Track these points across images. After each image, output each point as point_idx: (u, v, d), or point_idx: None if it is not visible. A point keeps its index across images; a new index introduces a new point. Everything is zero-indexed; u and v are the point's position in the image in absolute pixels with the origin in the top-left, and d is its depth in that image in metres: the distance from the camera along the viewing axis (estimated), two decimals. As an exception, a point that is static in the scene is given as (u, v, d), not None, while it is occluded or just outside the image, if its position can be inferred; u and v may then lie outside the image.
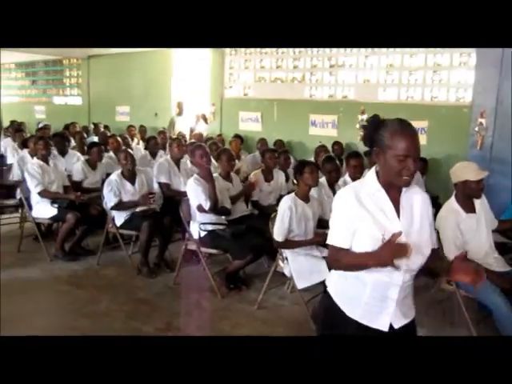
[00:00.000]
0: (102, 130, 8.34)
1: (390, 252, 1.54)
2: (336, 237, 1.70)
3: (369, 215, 1.64)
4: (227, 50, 8.34)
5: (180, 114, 9.08)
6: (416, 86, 6.42)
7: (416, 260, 1.66)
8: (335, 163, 3.92)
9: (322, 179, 3.92)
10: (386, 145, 1.61)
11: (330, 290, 1.80)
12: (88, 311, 3.62)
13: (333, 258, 1.74)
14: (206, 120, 8.68)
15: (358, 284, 1.69)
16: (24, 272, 4.39)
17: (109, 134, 7.21)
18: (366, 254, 1.62)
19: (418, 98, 6.41)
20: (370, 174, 1.72)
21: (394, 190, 1.68)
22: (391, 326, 1.70)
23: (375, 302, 1.70)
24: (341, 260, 1.69)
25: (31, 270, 4.44)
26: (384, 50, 6.62)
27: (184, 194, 4.42)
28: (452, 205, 3.12)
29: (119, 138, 6.31)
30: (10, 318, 3.39)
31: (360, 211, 1.64)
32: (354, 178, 4.10)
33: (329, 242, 1.72)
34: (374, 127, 1.67)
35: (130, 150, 4.75)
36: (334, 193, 3.91)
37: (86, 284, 4.17)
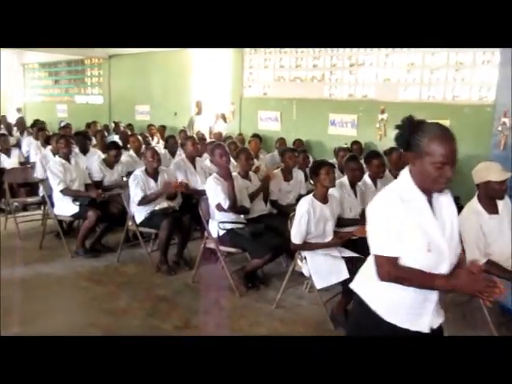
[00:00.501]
0: (123, 128, 8.42)
1: (474, 283, 1.53)
2: (386, 246, 1.62)
3: (414, 222, 1.60)
4: (247, 49, 8.35)
5: (199, 113, 9.12)
6: (438, 84, 6.32)
7: (453, 262, 1.66)
8: (359, 162, 3.88)
9: (344, 178, 3.89)
10: (424, 151, 1.58)
11: (364, 296, 1.75)
12: (108, 308, 3.67)
13: (385, 270, 1.63)
14: (225, 119, 8.70)
15: (402, 290, 1.65)
16: (46, 268, 4.47)
17: (130, 133, 7.28)
18: (442, 277, 1.59)
19: (440, 97, 6.32)
20: (406, 178, 1.68)
21: (427, 193, 1.66)
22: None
23: (417, 305, 1.68)
24: (399, 275, 1.62)
25: (53, 266, 4.52)
26: (405, 48, 6.53)
27: (201, 192, 4.45)
28: (474, 206, 3.07)
29: (140, 137, 6.36)
30: (31, 313, 3.47)
31: (406, 217, 1.60)
32: (374, 178, 4.06)
33: (377, 252, 1.65)
34: (410, 130, 1.63)
35: (156, 149, 4.79)
36: (355, 192, 3.87)
37: (106, 281, 4.22)
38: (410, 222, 1.60)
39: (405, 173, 1.70)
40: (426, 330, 1.68)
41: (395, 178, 4.58)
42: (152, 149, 4.71)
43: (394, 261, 1.61)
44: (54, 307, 3.66)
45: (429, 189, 1.63)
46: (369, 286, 1.76)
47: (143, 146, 6.12)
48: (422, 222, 1.62)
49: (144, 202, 4.43)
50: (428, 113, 6.21)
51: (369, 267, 1.74)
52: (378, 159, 4.05)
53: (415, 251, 1.60)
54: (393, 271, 1.61)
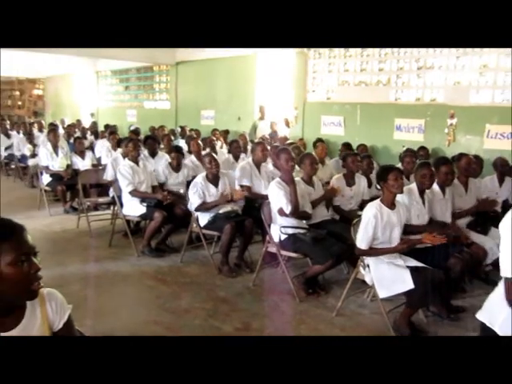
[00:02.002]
0: (189, 133, 8.66)
1: None
2: None
3: None
4: (311, 53, 8.34)
5: (262, 118, 9.20)
6: (513, 87, 5.99)
7: None
8: (431, 169, 3.73)
9: (413, 185, 3.77)
10: None
11: (490, 323, 1.69)
12: (171, 306, 3.77)
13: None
14: (288, 124, 8.72)
15: None
16: (114, 266, 4.68)
17: (191, 138, 7.46)
18: None
19: (516, 101, 5.98)
20: None
21: None
22: None
23: None
24: None
25: (120, 264, 4.72)
26: (477, 49, 6.26)
27: (265, 196, 4.48)
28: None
29: (200, 142, 6.47)
30: (99, 307, 3.64)
31: None
32: (443, 186, 3.90)
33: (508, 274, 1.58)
34: None
35: (214, 155, 4.88)
36: (423, 200, 3.74)
37: (170, 280, 4.35)
38: None
39: None
40: None
41: (464, 185, 4.41)
42: (210, 155, 4.76)
43: None
44: (120, 303, 3.82)
45: None
46: (495, 312, 1.68)
47: (204, 151, 6.25)
48: None
49: (201, 208, 4.53)
50: (501, 117, 5.95)
51: (495, 293, 1.71)
52: (447, 166, 3.88)
53: None
54: None
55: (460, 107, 6.49)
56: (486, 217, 4.28)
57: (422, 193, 3.73)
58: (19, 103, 18.70)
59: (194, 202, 4.54)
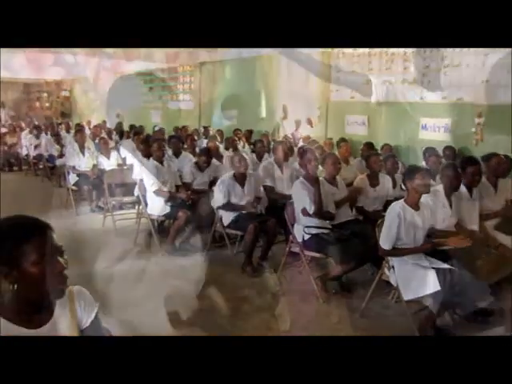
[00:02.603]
0: (212, 133, 8.71)
1: None
2: None
3: None
4: (335, 52, 8.27)
5: (285, 117, 9.18)
6: (544, 85, 5.83)
7: None
8: (457, 170, 3.66)
9: (439, 186, 3.70)
10: None
11: None
12: (194, 305, 3.78)
13: None
14: (311, 123, 8.68)
15: None
16: (138, 264, 4.72)
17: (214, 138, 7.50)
18: None
19: (547, 100, 5.81)
20: None
21: None
22: None
23: None
24: None
25: (145, 263, 4.76)
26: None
27: (287, 196, 4.47)
28: None
29: (218, 143, 6.49)
30: (124, 305, 3.68)
31: None
32: (470, 187, 3.81)
33: None
34: None
35: (244, 154, 4.89)
36: (450, 202, 3.66)
37: (193, 279, 4.37)
38: None
39: None
40: None
41: (494, 185, 4.31)
42: (239, 154, 4.81)
43: None
44: (144, 301, 3.85)
45: None
46: None
47: (227, 151, 6.28)
48: None
49: (225, 208, 4.54)
50: (531, 116, 5.77)
51: None
52: (474, 166, 3.78)
53: None
54: None
55: (488, 106, 6.35)
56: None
57: (448, 194, 3.65)
58: (47, 104, 19.11)
59: (218, 199, 4.55)
